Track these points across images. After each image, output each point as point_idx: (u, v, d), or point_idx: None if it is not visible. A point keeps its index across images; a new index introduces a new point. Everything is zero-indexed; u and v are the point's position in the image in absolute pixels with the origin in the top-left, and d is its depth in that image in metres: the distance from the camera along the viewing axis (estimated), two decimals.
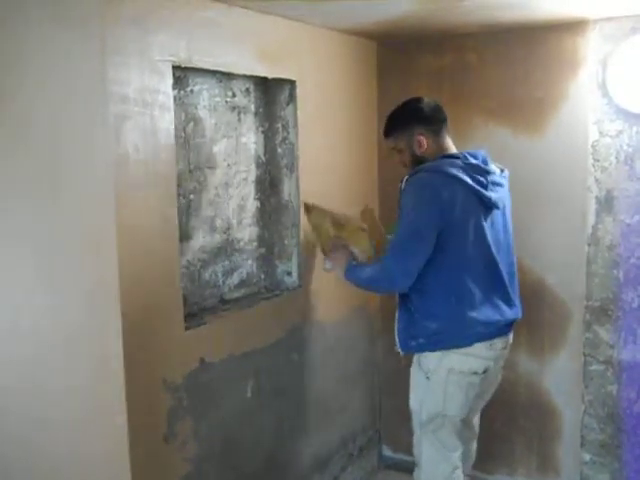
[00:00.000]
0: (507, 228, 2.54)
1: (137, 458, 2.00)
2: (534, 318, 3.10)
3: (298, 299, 2.84)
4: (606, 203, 2.91)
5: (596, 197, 2.93)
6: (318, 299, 2.94)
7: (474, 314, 2.39)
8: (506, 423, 3.24)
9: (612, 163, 2.88)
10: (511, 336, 2.60)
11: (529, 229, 3.07)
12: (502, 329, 2.49)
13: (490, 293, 2.45)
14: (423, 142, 2.46)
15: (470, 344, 2.41)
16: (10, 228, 1.74)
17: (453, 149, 2.52)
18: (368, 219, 2.94)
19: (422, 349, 2.47)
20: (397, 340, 2.55)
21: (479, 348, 2.43)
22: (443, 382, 2.44)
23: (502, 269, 2.48)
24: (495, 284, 2.47)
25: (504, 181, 2.54)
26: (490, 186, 2.41)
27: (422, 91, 3.22)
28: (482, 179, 2.39)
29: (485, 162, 2.46)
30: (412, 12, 2.59)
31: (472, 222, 2.37)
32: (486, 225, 2.42)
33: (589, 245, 2.96)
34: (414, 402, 2.56)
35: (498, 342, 2.49)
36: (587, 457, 3.08)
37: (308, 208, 2.72)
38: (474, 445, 2.79)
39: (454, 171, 2.34)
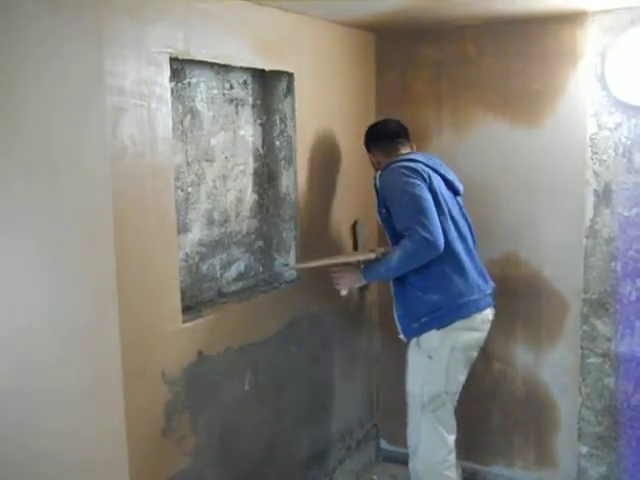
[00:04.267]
0: (467, 217, 2.74)
1: (135, 452, 2.00)
2: (531, 311, 3.11)
3: (296, 292, 2.84)
4: (604, 196, 2.91)
5: (594, 190, 2.92)
6: (316, 292, 2.93)
7: (467, 280, 2.58)
8: (504, 416, 3.25)
9: (610, 156, 2.87)
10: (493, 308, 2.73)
11: (527, 222, 3.07)
12: (488, 298, 2.68)
13: (471, 261, 2.65)
14: (373, 160, 2.84)
15: (469, 314, 2.57)
16: (6, 223, 1.73)
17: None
18: (354, 234, 3.21)
19: (426, 329, 2.58)
20: (399, 327, 2.68)
21: (477, 321, 2.60)
22: (446, 360, 2.58)
23: (471, 245, 2.69)
24: (471, 255, 2.67)
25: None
26: (450, 173, 2.72)
27: (420, 83, 3.22)
28: (441, 167, 2.70)
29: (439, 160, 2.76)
30: (411, 4, 2.58)
31: (442, 197, 2.59)
32: (454, 204, 2.67)
33: (587, 238, 2.96)
34: (414, 385, 2.65)
35: (489, 313, 2.68)
36: (584, 449, 3.09)
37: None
38: None
39: (417, 157, 2.65)
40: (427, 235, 2.41)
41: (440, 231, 2.45)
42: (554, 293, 3.05)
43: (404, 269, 2.54)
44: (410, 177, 2.52)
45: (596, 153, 2.90)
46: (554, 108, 2.95)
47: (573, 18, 2.85)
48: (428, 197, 2.50)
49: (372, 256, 2.68)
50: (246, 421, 2.57)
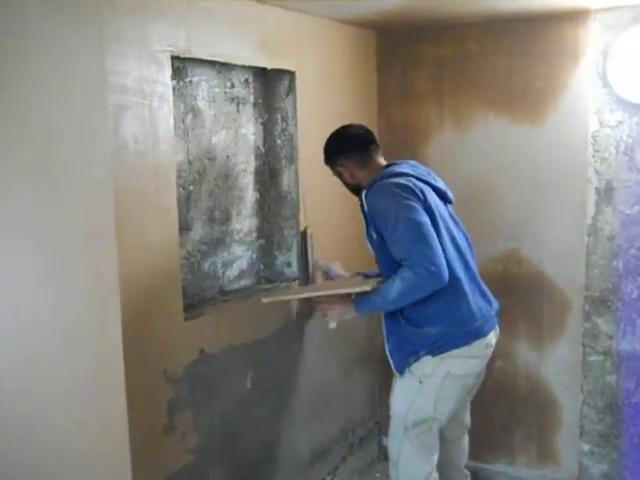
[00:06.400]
0: (461, 227, 2.53)
1: (137, 449, 2.00)
2: (533, 309, 3.11)
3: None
4: (606, 194, 2.90)
5: (596, 188, 2.92)
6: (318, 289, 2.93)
7: (469, 306, 2.37)
8: (506, 413, 3.25)
9: (612, 154, 2.87)
10: (497, 328, 2.55)
11: (528, 220, 3.07)
12: (491, 320, 2.47)
13: (473, 282, 2.43)
14: (345, 174, 2.54)
15: (469, 342, 2.37)
16: (7, 220, 1.73)
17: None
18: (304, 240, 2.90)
19: (421, 358, 2.39)
20: (391, 362, 2.47)
21: (477, 348, 2.40)
22: (437, 387, 2.39)
23: (471, 261, 2.48)
24: (472, 274, 2.46)
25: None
26: (439, 181, 2.49)
27: (422, 81, 3.22)
28: (429, 176, 2.46)
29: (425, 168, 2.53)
30: (412, 2, 2.58)
31: (438, 212, 2.37)
32: (448, 216, 2.45)
33: (589, 236, 2.96)
34: (399, 406, 2.47)
35: (492, 338, 2.47)
36: (586, 447, 3.09)
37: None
38: (466, 439, 2.79)
39: (406, 170, 2.39)
40: (432, 267, 2.18)
41: (444, 260, 2.22)
42: (556, 291, 3.05)
43: (404, 303, 2.31)
44: (403, 198, 2.26)
45: (598, 151, 2.89)
46: (556, 106, 2.95)
47: (575, 16, 2.85)
48: (426, 220, 2.25)
49: (367, 288, 2.35)
50: (248, 419, 2.58)
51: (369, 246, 2.48)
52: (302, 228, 2.84)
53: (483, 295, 2.46)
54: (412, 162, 2.52)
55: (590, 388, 3.04)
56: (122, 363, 1.94)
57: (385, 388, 3.48)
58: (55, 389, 1.76)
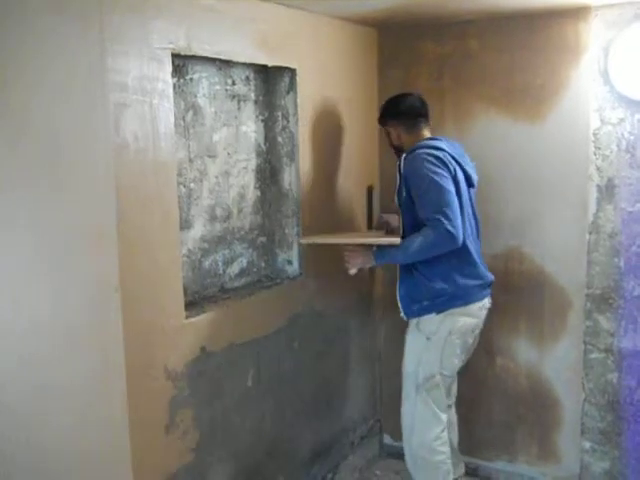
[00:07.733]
0: (477, 213, 2.81)
1: (138, 447, 2.00)
2: (534, 307, 3.11)
3: (299, 288, 2.84)
4: (607, 191, 2.90)
5: (597, 185, 2.92)
6: (319, 288, 2.94)
7: (472, 273, 2.69)
8: (507, 411, 3.25)
9: (613, 151, 2.87)
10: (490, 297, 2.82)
11: (530, 217, 3.07)
12: (487, 289, 2.78)
13: (479, 254, 2.75)
14: (393, 134, 2.83)
15: (467, 304, 2.68)
16: (9, 219, 1.73)
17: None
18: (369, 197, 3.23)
19: (425, 311, 2.69)
20: (400, 305, 2.78)
21: (474, 308, 2.70)
22: (443, 342, 2.68)
23: (477, 238, 2.80)
24: (478, 250, 2.77)
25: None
26: (469, 165, 2.75)
27: (423, 78, 3.21)
28: (462, 157, 2.73)
29: (461, 149, 2.80)
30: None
31: (462, 190, 2.65)
32: (467, 198, 2.72)
33: (590, 233, 2.95)
34: (410, 365, 2.76)
35: (487, 302, 2.78)
36: (587, 445, 3.09)
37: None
38: (453, 412, 2.99)
39: (443, 146, 2.66)
40: (451, 228, 2.47)
41: (461, 225, 2.52)
42: (557, 288, 3.05)
43: (420, 257, 2.60)
44: (437, 167, 2.56)
45: (599, 148, 2.89)
46: (557, 103, 2.95)
47: (576, 13, 2.84)
48: (452, 189, 2.55)
49: (395, 242, 2.63)
50: (249, 417, 2.58)
51: (397, 202, 2.78)
52: (369, 184, 3.29)
53: (483, 265, 2.77)
54: (451, 141, 2.78)
55: (591, 386, 3.04)
56: (123, 362, 1.94)
57: (386, 386, 3.49)
58: (57, 388, 1.76)
